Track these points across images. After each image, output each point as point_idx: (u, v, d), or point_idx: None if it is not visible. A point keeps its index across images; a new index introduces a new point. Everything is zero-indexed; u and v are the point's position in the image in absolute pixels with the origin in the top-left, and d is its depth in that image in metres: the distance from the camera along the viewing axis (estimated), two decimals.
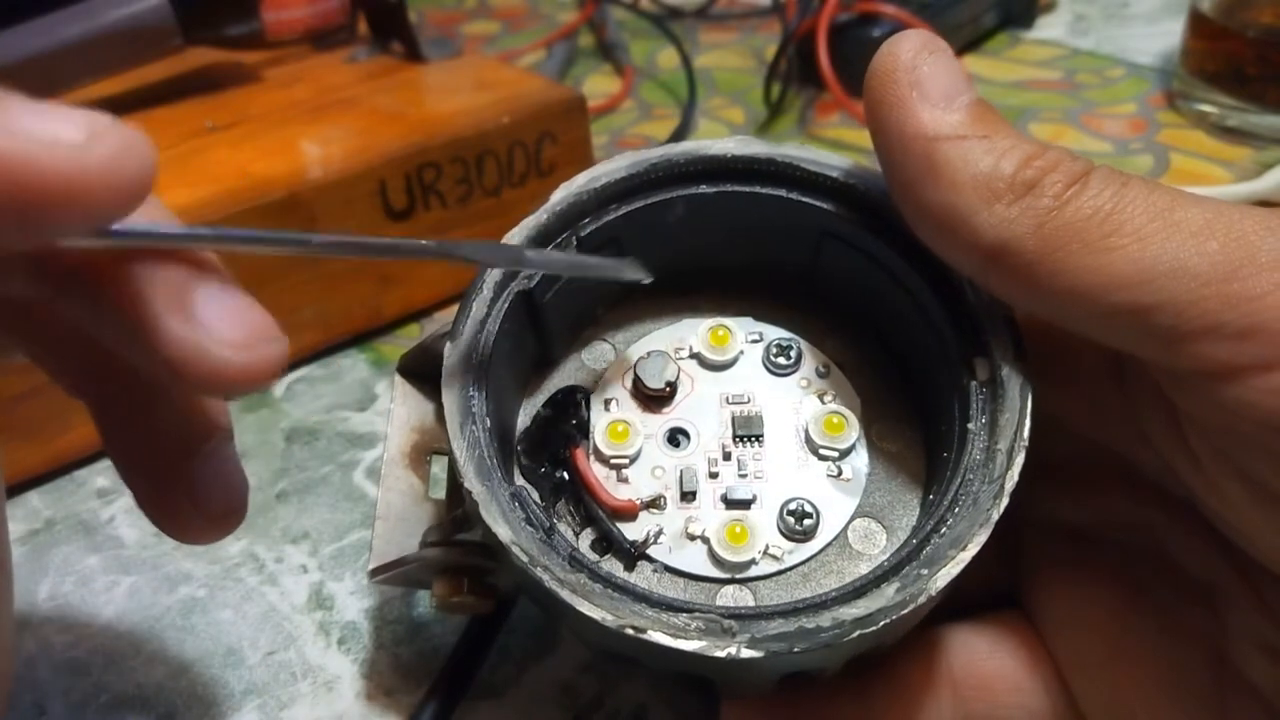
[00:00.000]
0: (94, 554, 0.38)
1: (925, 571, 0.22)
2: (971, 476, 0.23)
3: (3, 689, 0.25)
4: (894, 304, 0.27)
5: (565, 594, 0.22)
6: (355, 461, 0.41)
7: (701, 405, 0.29)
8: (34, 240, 0.16)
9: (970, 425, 0.24)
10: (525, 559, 0.23)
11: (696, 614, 0.22)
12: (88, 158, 0.15)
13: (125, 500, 0.40)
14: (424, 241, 0.22)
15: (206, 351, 0.20)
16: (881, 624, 0.22)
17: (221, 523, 0.25)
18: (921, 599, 0.22)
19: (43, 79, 0.43)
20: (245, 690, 0.33)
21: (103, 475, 0.41)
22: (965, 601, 0.27)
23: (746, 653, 0.21)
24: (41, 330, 0.24)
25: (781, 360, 0.29)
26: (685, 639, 0.22)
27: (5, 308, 0.23)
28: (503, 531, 0.23)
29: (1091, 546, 0.27)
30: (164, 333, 0.19)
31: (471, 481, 0.24)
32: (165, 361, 0.20)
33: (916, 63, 0.23)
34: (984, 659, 0.27)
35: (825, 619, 0.22)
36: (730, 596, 0.26)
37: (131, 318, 0.20)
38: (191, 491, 0.24)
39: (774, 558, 0.26)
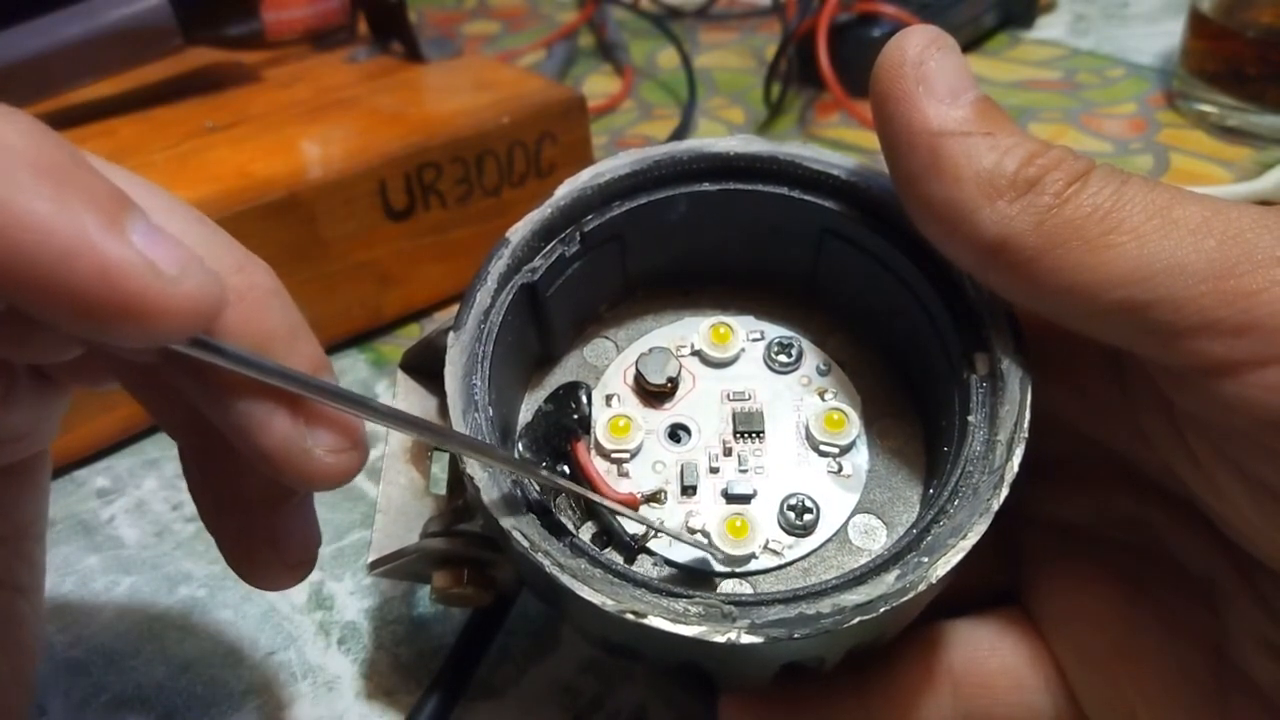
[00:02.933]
0: (94, 554, 0.38)
1: (925, 560, 0.22)
2: (972, 468, 0.24)
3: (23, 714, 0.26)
4: (895, 301, 0.27)
5: (565, 579, 0.22)
6: None
7: (702, 402, 0.29)
8: (109, 340, 0.18)
9: (970, 418, 0.24)
10: (526, 544, 0.23)
11: (696, 600, 0.22)
12: (172, 289, 0.17)
13: (125, 500, 0.40)
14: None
15: (308, 453, 0.22)
16: (882, 610, 0.22)
17: (296, 570, 0.25)
18: (921, 587, 0.22)
19: (43, 79, 0.43)
20: (245, 690, 0.33)
21: (103, 475, 0.41)
22: (966, 599, 0.27)
23: (746, 638, 0.21)
24: (144, 377, 0.24)
25: (783, 358, 0.29)
26: (685, 624, 0.22)
27: (110, 359, 0.24)
28: (504, 518, 0.23)
29: (1091, 544, 0.27)
30: (271, 428, 0.21)
31: (473, 468, 0.24)
32: (263, 454, 0.21)
33: (924, 58, 0.23)
34: (985, 656, 0.27)
35: (825, 605, 0.22)
36: (730, 589, 0.26)
37: (240, 410, 0.21)
38: (274, 541, 0.25)
39: (774, 552, 0.26)
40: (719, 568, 0.26)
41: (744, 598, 0.23)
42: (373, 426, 0.23)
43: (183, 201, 0.22)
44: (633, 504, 0.26)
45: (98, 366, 0.24)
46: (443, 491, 0.31)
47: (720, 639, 0.21)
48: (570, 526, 0.25)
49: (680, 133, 0.62)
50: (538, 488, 0.25)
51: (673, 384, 0.29)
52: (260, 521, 0.24)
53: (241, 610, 0.35)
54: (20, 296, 0.17)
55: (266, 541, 0.24)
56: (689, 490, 0.27)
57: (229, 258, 0.22)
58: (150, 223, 0.18)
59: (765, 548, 0.26)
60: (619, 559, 0.26)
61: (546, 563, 0.23)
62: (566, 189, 0.27)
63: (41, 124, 0.17)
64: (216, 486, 0.25)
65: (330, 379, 0.23)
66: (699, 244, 0.29)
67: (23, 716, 0.27)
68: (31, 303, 0.17)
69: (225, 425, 0.21)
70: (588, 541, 0.24)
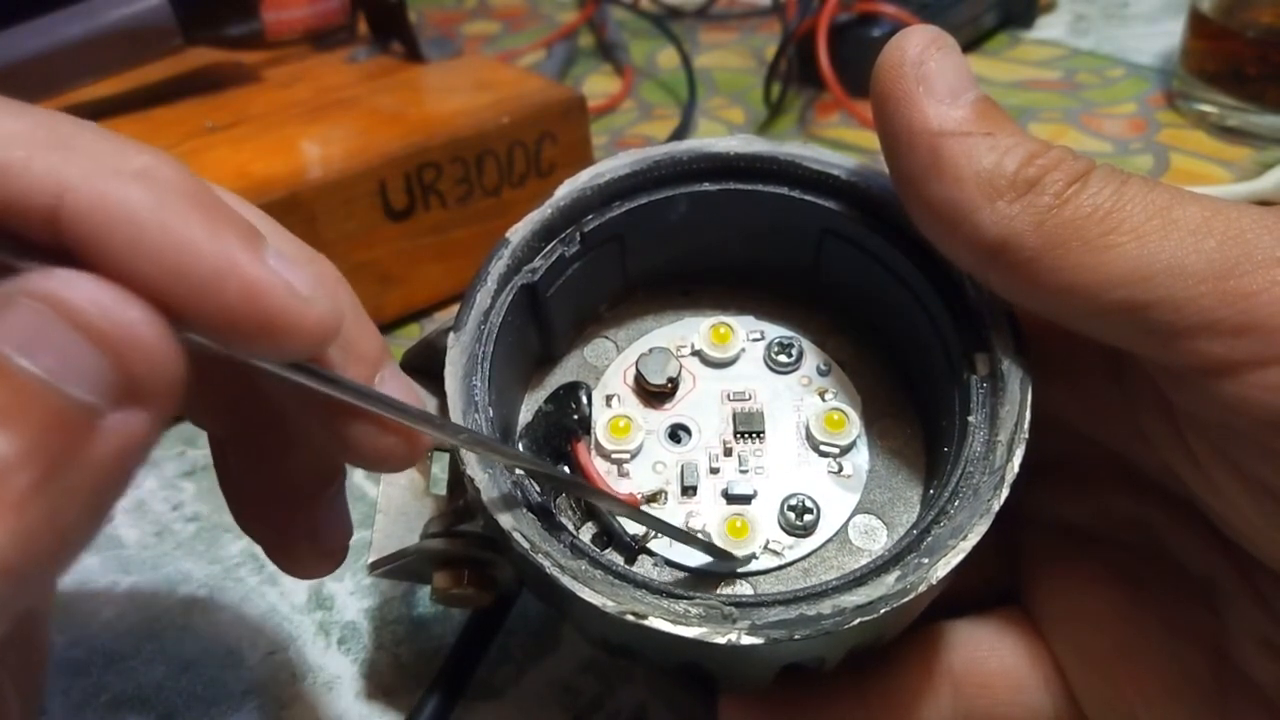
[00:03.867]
0: (94, 554, 0.38)
1: (926, 560, 0.22)
2: (972, 469, 0.24)
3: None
4: (895, 301, 0.27)
5: (566, 580, 0.22)
6: None
7: (703, 402, 0.29)
8: (241, 353, 0.19)
9: (971, 419, 0.24)
10: (526, 545, 0.23)
11: (697, 601, 0.22)
12: (306, 309, 0.18)
13: (125, 500, 0.40)
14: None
15: (378, 436, 0.22)
16: (882, 611, 0.22)
17: (330, 559, 0.26)
18: (922, 588, 0.22)
19: (43, 79, 0.43)
20: (245, 690, 0.33)
21: None
22: (966, 599, 0.27)
23: (747, 640, 0.21)
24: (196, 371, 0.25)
25: (783, 358, 0.29)
26: (686, 625, 0.22)
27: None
28: (504, 518, 0.23)
29: (1092, 544, 0.27)
30: (353, 419, 0.21)
31: (474, 469, 0.24)
32: (344, 438, 0.22)
33: (924, 58, 0.23)
34: (985, 656, 0.27)
35: (826, 606, 0.22)
36: (731, 590, 0.26)
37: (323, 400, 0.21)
38: (312, 531, 0.25)
39: (774, 553, 0.26)
40: (719, 568, 0.26)
41: (745, 599, 0.23)
42: None
43: (256, 209, 0.23)
44: (633, 504, 0.26)
45: None
46: (443, 492, 0.31)
47: (721, 640, 0.21)
48: (570, 527, 0.25)
49: (680, 133, 0.62)
50: (538, 489, 0.25)
51: (673, 384, 0.29)
52: (299, 513, 0.25)
53: (241, 610, 0.35)
54: (172, 311, 0.18)
55: (305, 532, 0.25)
56: (689, 491, 0.27)
57: (303, 254, 0.23)
58: (277, 249, 0.19)
59: (766, 548, 0.26)
60: (619, 560, 0.26)
61: (547, 564, 0.23)
62: (566, 189, 0.27)
63: (178, 160, 0.19)
64: (257, 480, 0.25)
65: (391, 364, 0.23)
66: (699, 244, 0.29)
67: (33, 716, 0.27)
68: (181, 318, 0.18)
69: (296, 411, 0.22)
70: (588, 542, 0.24)
